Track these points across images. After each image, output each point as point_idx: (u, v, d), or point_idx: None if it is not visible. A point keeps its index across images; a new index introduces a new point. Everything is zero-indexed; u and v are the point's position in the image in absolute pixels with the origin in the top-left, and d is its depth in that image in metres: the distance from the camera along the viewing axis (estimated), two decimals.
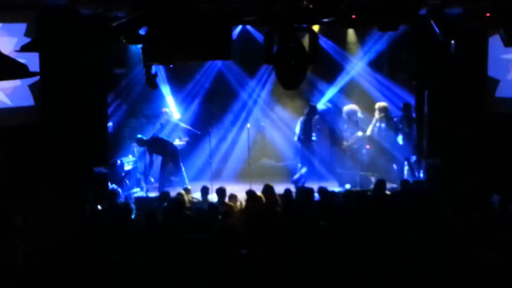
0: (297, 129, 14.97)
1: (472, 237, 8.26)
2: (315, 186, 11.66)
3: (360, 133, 14.75)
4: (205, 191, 11.50)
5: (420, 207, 9.68)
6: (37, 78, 10.99)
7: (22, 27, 11.30)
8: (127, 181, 14.06)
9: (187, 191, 11.60)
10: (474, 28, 11.96)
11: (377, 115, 14.82)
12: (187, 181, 14.09)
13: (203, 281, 6.77)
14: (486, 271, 7.29)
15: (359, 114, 15.02)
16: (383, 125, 14.72)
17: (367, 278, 7.20)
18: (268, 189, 10.90)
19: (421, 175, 13.52)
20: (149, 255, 7.76)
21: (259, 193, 10.70)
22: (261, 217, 9.30)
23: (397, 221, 9.01)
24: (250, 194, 10.60)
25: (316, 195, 10.82)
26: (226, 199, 10.87)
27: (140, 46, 10.30)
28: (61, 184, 11.37)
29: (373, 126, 14.76)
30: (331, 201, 10.34)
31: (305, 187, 11.78)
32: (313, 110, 15.09)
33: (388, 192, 11.57)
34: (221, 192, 11.02)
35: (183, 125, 15.46)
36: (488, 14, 10.79)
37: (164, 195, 11.29)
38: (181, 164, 14.64)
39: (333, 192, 11.08)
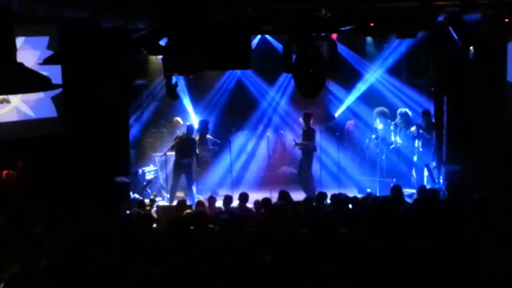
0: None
1: (495, 242, 8.23)
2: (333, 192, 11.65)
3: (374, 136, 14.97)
4: (228, 200, 11.44)
5: (440, 213, 9.67)
6: (59, 90, 11.10)
7: (44, 40, 11.43)
8: (149, 190, 14.19)
9: (212, 199, 11.68)
10: (493, 34, 11.92)
11: (397, 120, 14.88)
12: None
13: None
14: (509, 276, 7.27)
15: None
16: (402, 131, 14.77)
17: (388, 284, 7.21)
18: (284, 196, 10.95)
19: (441, 181, 13.49)
20: (170, 263, 7.82)
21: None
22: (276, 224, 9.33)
23: (417, 227, 9.00)
24: (265, 201, 10.64)
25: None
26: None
27: (160, 57, 10.45)
28: (83, 194, 11.49)
29: (394, 132, 14.82)
30: (347, 207, 10.36)
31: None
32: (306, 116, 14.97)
33: (407, 199, 11.54)
34: (243, 197, 11.10)
35: None
36: (506, 20, 10.76)
37: (181, 204, 11.37)
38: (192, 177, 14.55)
39: (349, 198, 11.05)
